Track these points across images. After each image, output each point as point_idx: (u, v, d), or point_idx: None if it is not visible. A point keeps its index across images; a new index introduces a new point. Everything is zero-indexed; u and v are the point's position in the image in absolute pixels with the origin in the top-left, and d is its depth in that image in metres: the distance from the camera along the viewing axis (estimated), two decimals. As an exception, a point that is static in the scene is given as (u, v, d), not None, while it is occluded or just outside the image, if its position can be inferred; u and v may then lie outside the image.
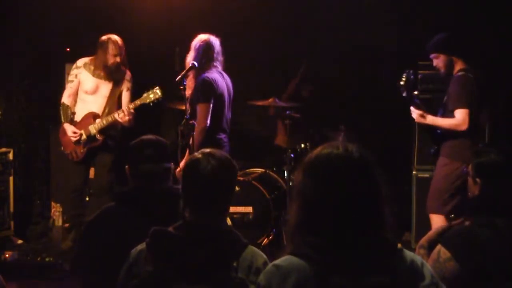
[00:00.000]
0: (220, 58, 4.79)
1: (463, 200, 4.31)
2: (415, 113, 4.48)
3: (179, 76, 4.45)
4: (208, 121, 4.63)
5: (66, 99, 5.27)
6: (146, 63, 6.00)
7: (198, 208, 2.24)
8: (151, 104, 4.94)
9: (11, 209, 5.71)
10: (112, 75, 5.15)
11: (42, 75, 6.35)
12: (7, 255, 5.06)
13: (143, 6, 6.08)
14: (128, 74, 5.23)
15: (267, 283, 1.84)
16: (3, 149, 5.77)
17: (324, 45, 6.16)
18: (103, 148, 5.17)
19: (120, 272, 2.28)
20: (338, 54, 6.15)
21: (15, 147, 5.95)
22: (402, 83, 4.42)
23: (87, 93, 5.17)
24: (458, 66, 4.43)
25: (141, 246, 2.25)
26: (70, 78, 5.28)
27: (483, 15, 5.64)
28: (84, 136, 5.10)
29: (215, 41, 4.76)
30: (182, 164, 4.66)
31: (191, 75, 4.70)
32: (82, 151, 5.10)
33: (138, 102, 4.98)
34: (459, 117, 4.27)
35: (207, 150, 2.31)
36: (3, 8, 5.96)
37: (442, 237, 2.66)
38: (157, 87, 4.92)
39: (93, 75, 5.15)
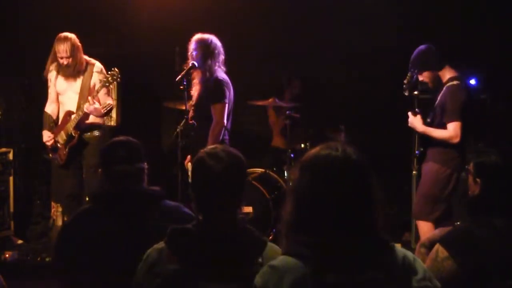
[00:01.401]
0: (223, 57, 4.80)
1: (452, 206, 4.31)
2: (410, 119, 4.47)
3: (179, 76, 4.45)
4: (225, 121, 4.64)
5: (47, 107, 5.21)
6: (146, 63, 6.00)
7: (213, 207, 2.22)
8: (109, 85, 4.85)
9: (11, 209, 5.71)
10: (76, 71, 4.98)
11: (42, 75, 6.34)
12: (7, 255, 5.06)
13: (143, 6, 6.08)
14: (97, 66, 5.02)
15: (263, 284, 1.84)
16: (3, 149, 5.76)
17: (324, 45, 6.16)
18: (89, 149, 5.07)
19: (138, 272, 2.25)
20: (338, 54, 6.15)
21: (15, 147, 5.95)
22: (405, 81, 4.40)
23: (61, 94, 5.10)
24: (448, 74, 4.37)
25: (160, 245, 2.23)
26: (48, 83, 5.20)
27: (483, 14, 5.64)
28: (64, 137, 5.02)
29: (218, 41, 4.76)
30: (186, 163, 4.70)
31: (198, 75, 4.70)
32: (64, 152, 5.05)
33: (99, 87, 4.86)
34: (452, 131, 4.23)
35: (215, 149, 2.28)
36: (3, 8, 5.96)
37: (441, 236, 2.67)
38: (114, 68, 4.81)
39: (61, 75, 5.05)
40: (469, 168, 2.79)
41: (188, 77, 4.59)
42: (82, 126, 5.01)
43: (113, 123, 6.44)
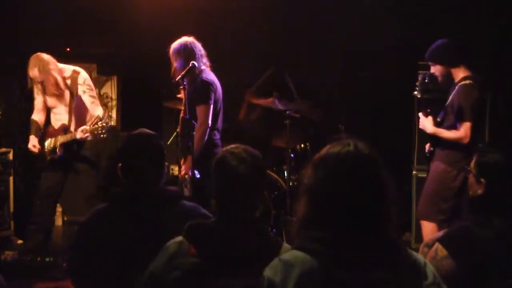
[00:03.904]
0: (203, 52, 4.79)
1: (457, 207, 4.30)
2: (421, 119, 4.47)
3: (179, 76, 4.45)
4: (210, 122, 4.65)
5: (35, 116, 5.19)
6: (146, 63, 6.00)
7: (234, 207, 2.26)
8: (97, 135, 4.72)
9: (11, 209, 5.71)
10: (57, 87, 4.96)
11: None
12: (7, 255, 5.06)
13: (143, 6, 6.08)
14: (81, 76, 5.00)
15: (272, 275, 1.86)
16: (3, 149, 5.77)
17: (324, 45, 6.17)
18: (80, 154, 5.07)
19: (156, 263, 2.26)
20: (338, 54, 6.16)
21: (15, 147, 5.95)
22: (417, 83, 4.43)
23: (54, 108, 5.11)
24: (461, 73, 4.35)
25: (179, 238, 2.25)
26: (34, 95, 5.18)
27: (483, 14, 5.64)
28: (51, 145, 5.05)
29: (192, 40, 4.76)
30: (182, 164, 4.70)
31: (186, 76, 4.69)
32: (47, 158, 5.09)
33: (88, 129, 4.74)
34: (463, 131, 4.23)
35: (237, 149, 2.31)
36: (3, 8, 5.97)
37: (441, 235, 2.67)
38: (105, 123, 4.72)
39: (47, 92, 5.03)
40: (469, 167, 2.79)
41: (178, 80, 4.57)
42: (71, 147, 5.00)
43: (113, 123, 6.44)
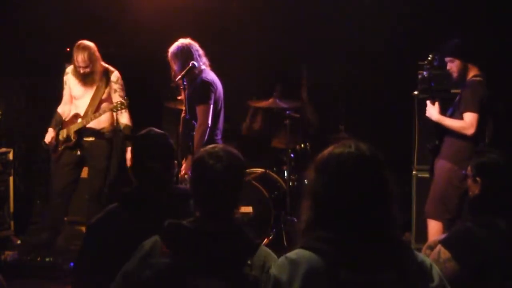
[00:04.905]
0: (201, 52, 4.79)
1: (462, 207, 4.30)
2: (428, 107, 4.49)
3: (179, 76, 4.46)
4: (210, 122, 4.65)
5: (60, 107, 5.26)
6: (146, 63, 6.00)
7: (211, 206, 2.24)
8: (116, 111, 5.01)
9: (11, 209, 5.71)
10: (93, 79, 5.06)
11: (42, 75, 6.35)
12: (7, 255, 5.06)
13: (143, 6, 6.08)
14: (115, 75, 5.11)
15: (278, 273, 1.86)
16: (3, 149, 5.76)
17: (324, 46, 6.16)
18: (95, 153, 5.13)
19: (130, 262, 2.24)
20: (338, 54, 6.15)
21: (15, 147, 5.95)
22: (426, 62, 4.53)
23: (76, 98, 5.15)
24: (472, 72, 4.43)
25: (155, 238, 2.24)
26: (64, 85, 5.25)
27: (483, 14, 5.64)
28: (64, 135, 5.12)
29: (189, 41, 4.76)
30: (183, 164, 4.70)
31: (186, 77, 4.70)
32: (59, 148, 5.13)
33: (106, 109, 5.00)
34: (467, 121, 4.26)
35: (214, 148, 2.29)
36: (4, 8, 5.96)
37: (443, 238, 2.67)
38: (126, 98, 4.97)
39: (79, 81, 5.10)
40: (467, 171, 2.79)
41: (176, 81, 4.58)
42: (84, 131, 5.08)
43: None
